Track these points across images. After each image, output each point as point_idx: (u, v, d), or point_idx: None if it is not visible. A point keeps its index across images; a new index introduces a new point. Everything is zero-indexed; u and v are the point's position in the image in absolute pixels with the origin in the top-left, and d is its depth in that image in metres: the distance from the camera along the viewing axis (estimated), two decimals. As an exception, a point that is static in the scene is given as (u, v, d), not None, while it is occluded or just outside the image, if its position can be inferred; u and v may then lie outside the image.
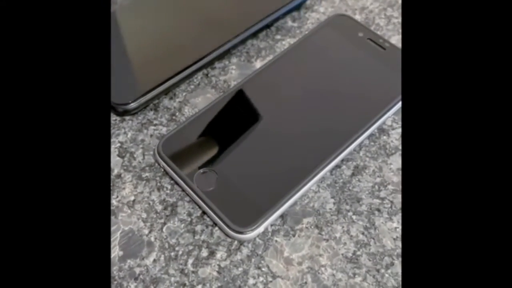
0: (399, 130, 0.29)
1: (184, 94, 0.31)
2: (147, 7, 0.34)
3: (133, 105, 0.29)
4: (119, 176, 0.27)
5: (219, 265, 0.24)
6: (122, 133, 0.29)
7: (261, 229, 0.24)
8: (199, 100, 0.31)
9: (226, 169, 0.26)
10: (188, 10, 0.34)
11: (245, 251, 0.25)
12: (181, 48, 0.32)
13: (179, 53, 0.31)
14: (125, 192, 0.27)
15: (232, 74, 0.32)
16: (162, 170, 0.27)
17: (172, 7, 0.34)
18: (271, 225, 0.26)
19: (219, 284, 0.24)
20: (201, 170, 0.26)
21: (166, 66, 0.31)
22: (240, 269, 0.24)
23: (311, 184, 0.26)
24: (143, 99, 0.29)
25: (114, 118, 0.30)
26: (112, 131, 0.29)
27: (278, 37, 0.34)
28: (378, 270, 0.24)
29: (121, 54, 0.31)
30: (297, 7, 0.35)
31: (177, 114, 0.30)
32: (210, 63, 0.32)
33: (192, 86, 0.31)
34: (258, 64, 0.33)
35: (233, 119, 0.29)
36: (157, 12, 0.34)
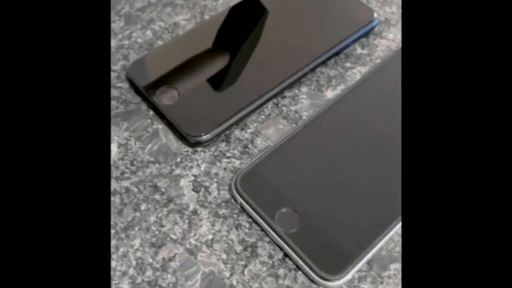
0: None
1: (255, 124, 0.30)
2: (214, 35, 0.33)
3: (206, 137, 0.28)
4: (195, 212, 0.26)
5: (304, 312, 0.23)
6: (195, 166, 0.28)
7: (349, 276, 0.23)
8: (271, 131, 0.30)
9: (309, 209, 0.25)
10: (257, 40, 0.33)
11: (331, 298, 0.24)
12: (251, 79, 0.31)
13: (250, 84, 0.31)
14: (202, 230, 0.26)
15: (303, 104, 0.31)
16: (239, 206, 0.27)
17: (241, 38, 0.33)
18: (357, 271, 0.25)
19: (306, 333, 0.23)
20: (283, 210, 0.25)
21: (238, 96, 0.30)
22: (327, 317, 0.23)
23: (398, 227, 0.25)
24: (216, 131, 0.29)
25: (186, 149, 0.29)
26: (184, 163, 0.28)
27: (348, 65, 0.33)
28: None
29: (192, 84, 0.30)
30: (366, 34, 0.34)
31: (249, 146, 0.29)
32: (280, 92, 0.31)
33: (263, 116, 0.30)
34: (329, 93, 0.32)
35: (311, 154, 0.28)
36: (226, 42, 0.33)
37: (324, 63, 0.33)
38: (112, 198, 0.27)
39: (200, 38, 0.33)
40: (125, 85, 0.32)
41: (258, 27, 0.34)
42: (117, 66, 0.33)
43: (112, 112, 0.30)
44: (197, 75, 0.31)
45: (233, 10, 0.35)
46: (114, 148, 0.29)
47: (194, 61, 0.32)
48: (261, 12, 0.35)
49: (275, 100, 0.31)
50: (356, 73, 0.33)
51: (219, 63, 0.31)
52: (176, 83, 0.30)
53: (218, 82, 0.31)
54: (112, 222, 0.26)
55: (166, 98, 0.30)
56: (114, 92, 0.31)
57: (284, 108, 0.31)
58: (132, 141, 0.29)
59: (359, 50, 0.34)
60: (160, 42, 0.34)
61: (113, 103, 0.31)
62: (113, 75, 0.32)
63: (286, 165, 0.27)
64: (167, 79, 0.31)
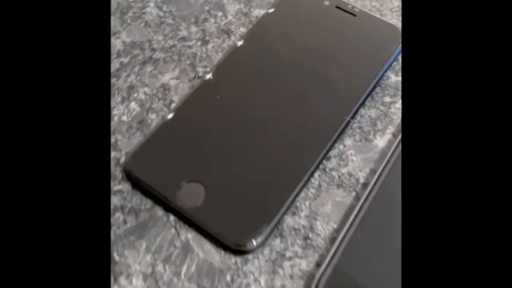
0: None
1: (307, 204, 0.24)
2: (226, 99, 0.26)
3: (259, 240, 0.22)
4: None
5: None
6: (252, 282, 0.21)
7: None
8: (329, 208, 0.24)
9: None
10: (281, 96, 0.26)
11: None
12: (289, 149, 0.24)
13: (289, 155, 0.24)
14: None
15: (354, 163, 0.25)
16: (328, 327, 0.20)
17: (261, 98, 0.26)
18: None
19: None
20: (392, 326, 0.20)
21: (280, 176, 0.23)
22: None
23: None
24: (267, 229, 0.22)
25: (233, 260, 0.22)
26: (238, 281, 0.21)
27: (387, 99, 0.27)
28: None
29: (220, 173, 0.23)
30: (396, 56, 0.29)
31: (310, 235, 0.23)
32: (325, 155, 0.25)
33: (313, 191, 0.24)
34: (379, 141, 0.26)
35: (393, 236, 0.22)
36: (243, 106, 0.26)
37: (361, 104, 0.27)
38: None
39: (210, 103, 0.26)
40: (127, 186, 0.24)
41: (277, 78, 0.27)
42: (107, 162, 0.25)
43: (120, 231, 0.23)
44: (224, 159, 0.24)
45: (234, 58, 0.28)
46: (139, 283, 0.21)
47: (215, 140, 0.25)
48: (274, 58, 0.28)
49: (321, 165, 0.25)
50: (400, 107, 0.27)
51: (245, 138, 0.25)
52: (200, 175, 0.23)
53: (251, 164, 0.24)
54: None
55: (190, 196, 0.23)
56: (114, 201, 0.24)
57: (334, 173, 0.25)
58: (160, 266, 0.22)
59: (393, 78, 0.28)
60: (153, 116, 0.27)
61: (118, 216, 0.23)
62: (105, 175, 0.24)
63: (371, 258, 0.21)
64: (186, 171, 0.23)
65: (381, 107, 0.27)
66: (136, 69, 0.29)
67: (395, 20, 0.31)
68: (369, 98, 0.27)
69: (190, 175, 0.23)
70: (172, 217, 0.23)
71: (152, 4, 0.32)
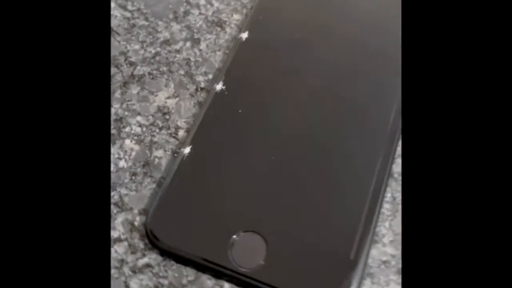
0: None
1: (387, 225, 0.19)
2: (249, 120, 0.21)
3: (351, 292, 0.17)
4: None
5: None
6: None
7: None
8: (413, 224, 0.19)
9: None
10: (322, 101, 0.21)
11: None
12: (355, 165, 0.19)
13: (357, 174, 0.19)
14: None
15: (423, 159, 0.20)
16: None
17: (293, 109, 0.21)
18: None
19: None
20: None
21: (354, 203, 0.18)
22: None
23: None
24: (357, 275, 0.17)
25: (323, 324, 0.17)
26: None
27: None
28: None
29: (281, 215, 0.18)
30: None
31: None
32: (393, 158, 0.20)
33: (388, 206, 0.19)
34: (442, 126, 0.21)
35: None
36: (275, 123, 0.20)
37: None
38: None
39: (232, 123, 0.20)
40: (155, 257, 0.18)
41: (306, 74, 0.21)
42: (119, 229, 0.19)
43: (166, 320, 0.17)
44: (277, 195, 0.18)
45: (244, 56, 0.22)
46: None
47: (257, 172, 0.19)
48: (295, 48, 0.22)
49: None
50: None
51: (295, 161, 0.19)
52: (253, 223, 0.17)
53: (312, 194, 0.18)
54: None
55: (248, 254, 0.17)
56: (143, 280, 0.18)
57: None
58: None
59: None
60: (159, 153, 0.20)
61: (155, 300, 0.17)
62: (121, 248, 0.18)
63: None
64: (233, 221, 0.18)
65: (431, 83, 0.23)
66: (117, 94, 0.22)
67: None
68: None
69: (241, 225, 0.18)
70: (227, 285, 0.18)
71: (112, 4, 0.24)
